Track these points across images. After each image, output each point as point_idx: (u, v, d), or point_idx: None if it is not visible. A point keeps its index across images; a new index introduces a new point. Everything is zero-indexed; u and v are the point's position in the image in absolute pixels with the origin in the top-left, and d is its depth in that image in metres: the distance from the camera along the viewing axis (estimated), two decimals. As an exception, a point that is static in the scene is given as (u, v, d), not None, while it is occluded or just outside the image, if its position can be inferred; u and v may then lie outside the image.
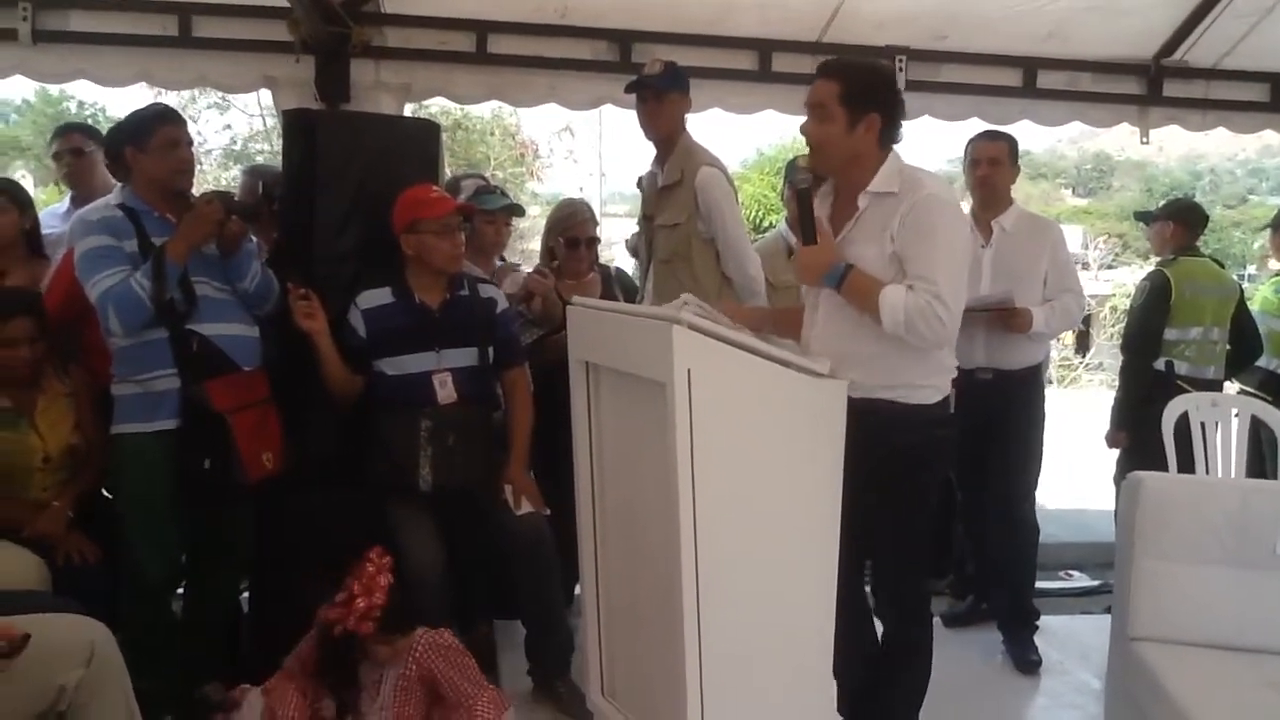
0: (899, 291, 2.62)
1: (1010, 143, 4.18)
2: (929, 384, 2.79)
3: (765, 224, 17.65)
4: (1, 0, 4.34)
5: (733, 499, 2.54)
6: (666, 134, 3.86)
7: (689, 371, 2.48)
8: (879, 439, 2.67)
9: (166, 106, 3.38)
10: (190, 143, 3.31)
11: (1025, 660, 4.04)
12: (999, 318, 3.96)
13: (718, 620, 2.57)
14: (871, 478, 2.69)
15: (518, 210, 4.07)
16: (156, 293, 3.05)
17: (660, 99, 3.82)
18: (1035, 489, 4.22)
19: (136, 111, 3.30)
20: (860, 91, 2.69)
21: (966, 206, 4.11)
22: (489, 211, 4.03)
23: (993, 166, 4.10)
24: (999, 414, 4.01)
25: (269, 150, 17.62)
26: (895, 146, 2.76)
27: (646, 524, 2.66)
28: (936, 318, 2.58)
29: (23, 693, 2.31)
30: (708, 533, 2.53)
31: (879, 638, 3.01)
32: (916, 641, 2.97)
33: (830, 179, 2.88)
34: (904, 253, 2.65)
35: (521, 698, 3.51)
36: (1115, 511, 3.64)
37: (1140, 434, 4.61)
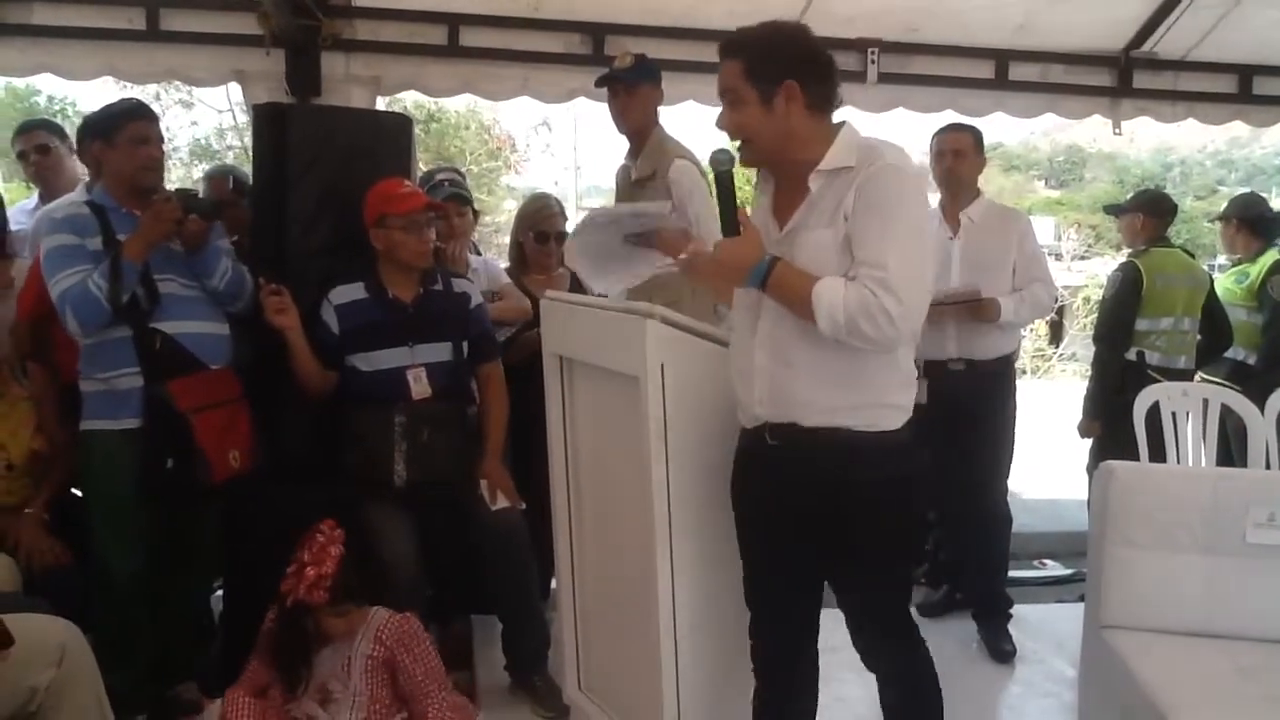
0: (836, 285, 2.18)
1: (974, 134, 4.18)
2: (893, 403, 2.35)
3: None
4: (-39, -5, 4.30)
5: (706, 492, 2.55)
6: (638, 127, 3.85)
7: (662, 366, 2.50)
8: (839, 479, 2.31)
9: (138, 102, 3.33)
10: (160, 139, 3.26)
11: (999, 649, 4.07)
12: (967, 309, 3.98)
13: (692, 612, 2.59)
14: (834, 530, 2.35)
15: (462, 199, 4.00)
16: (114, 293, 3.01)
17: (631, 92, 3.81)
18: (1007, 479, 4.24)
19: (106, 106, 3.26)
20: (765, 61, 2.28)
21: (935, 199, 4.14)
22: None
23: (957, 158, 4.10)
24: (971, 405, 4.02)
25: (239, 146, 17.49)
26: (847, 120, 2.36)
27: (620, 517, 2.67)
28: (883, 312, 2.12)
29: (-6, 693, 2.29)
30: (681, 525, 2.54)
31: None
32: (916, 683, 2.56)
33: (769, 169, 2.49)
34: (854, 231, 2.21)
35: (498, 693, 3.50)
36: (1088, 500, 3.67)
37: (1112, 424, 4.65)
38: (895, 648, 2.52)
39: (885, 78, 4.97)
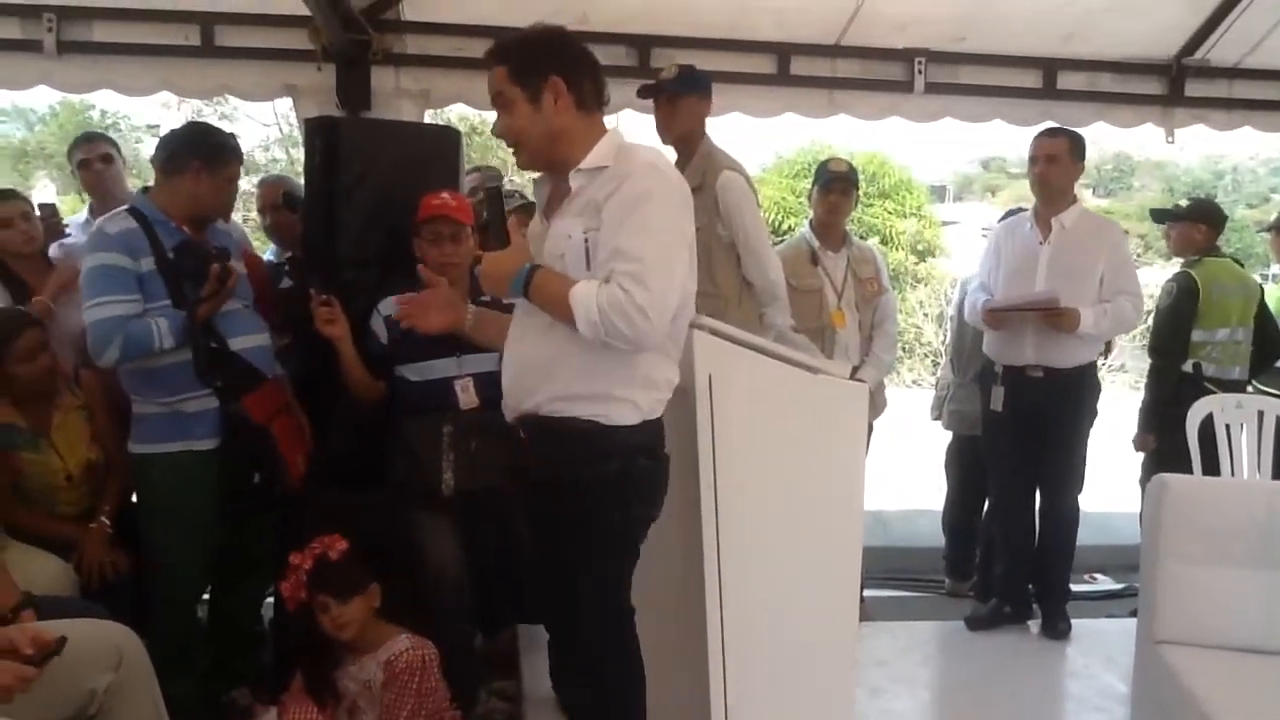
0: (590, 288, 2.22)
1: (1070, 139, 4.17)
2: (625, 398, 2.35)
3: (784, 227, 17.65)
4: (27, 12, 4.39)
5: (756, 503, 2.55)
6: (682, 137, 3.87)
7: (710, 377, 2.50)
8: (560, 466, 2.37)
9: (235, 139, 3.40)
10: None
11: (1055, 628, 4.21)
12: (1046, 317, 3.98)
13: (740, 623, 2.58)
14: (547, 516, 2.45)
15: (529, 210, 4.05)
16: (195, 355, 3.10)
17: (674, 102, 3.83)
18: (1080, 486, 4.28)
19: (215, 130, 3.37)
20: (527, 61, 2.33)
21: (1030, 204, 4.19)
22: None
23: (1049, 163, 4.13)
24: (1049, 411, 4.10)
25: (284, 159, 17.72)
26: (619, 126, 2.42)
27: (667, 530, 2.66)
28: (636, 307, 2.16)
29: (55, 697, 2.33)
30: (730, 537, 2.54)
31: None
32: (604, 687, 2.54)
33: (544, 171, 2.50)
34: (608, 227, 2.25)
35: (543, 702, 3.51)
36: (1140, 514, 3.63)
37: (1167, 436, 4.60)
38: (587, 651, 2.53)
39: (932, 87, 4.95)
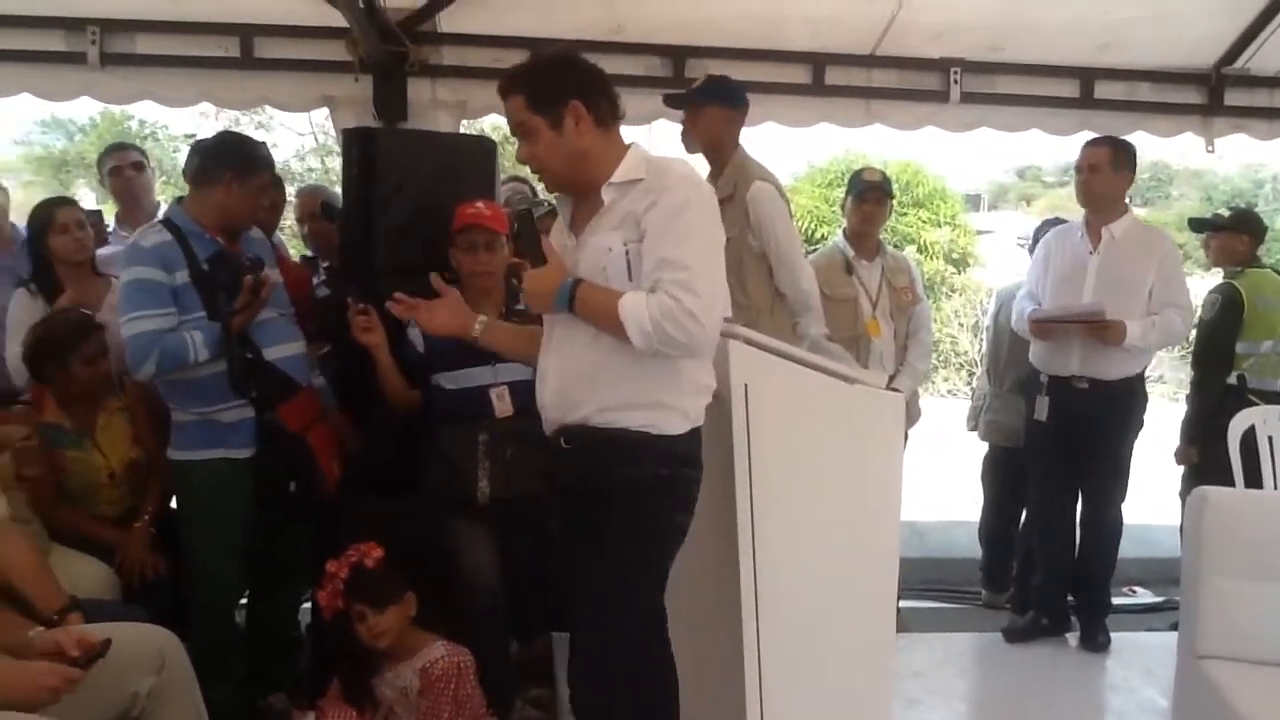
0: (639, 299, 2.25)
1: (1113, 147, 4.15)
2: (676, 407, 2.38)
3: (817, 236, 17.58)
4: (71, 25, 4.46)
5: (792, 513, 2.54)
6: (711, 147, 3.86)
7: (746, 386, 2.50)
8: (604, 473, 2.38)
9: (266, 148, 3.44)
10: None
11: (1094, 640, 4.19)
12: (1091, 329, 3.95)
13: (776, 633, 2.57)
14: (587, 525, 2.43)
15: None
16: (230, 369, 3.14)
17: (697, 111, 3.83)
18: (1124, 497, 4.25)
19: (246, 140, 3.41)
20: (544, 89, 2.36)
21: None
22: None
23: (1091, 173, 4.12)
24: (1095, 422, 4.08)
25: (319, 168, 17.87)
26: (636, 141, 2.45)
27: (700, 538, 2.65)
28: (688, 314, 2.20)
29: (99, 700, 2.37)
30: (766, 548, 2.53)
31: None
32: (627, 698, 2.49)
33: (569, 191, 2.54)
34: (653, 238, 2.28)
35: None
36: (1181, 527, 3.59)
37: (1209, 448, 4.55)
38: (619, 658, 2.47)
39: (968, 97, 4.92)
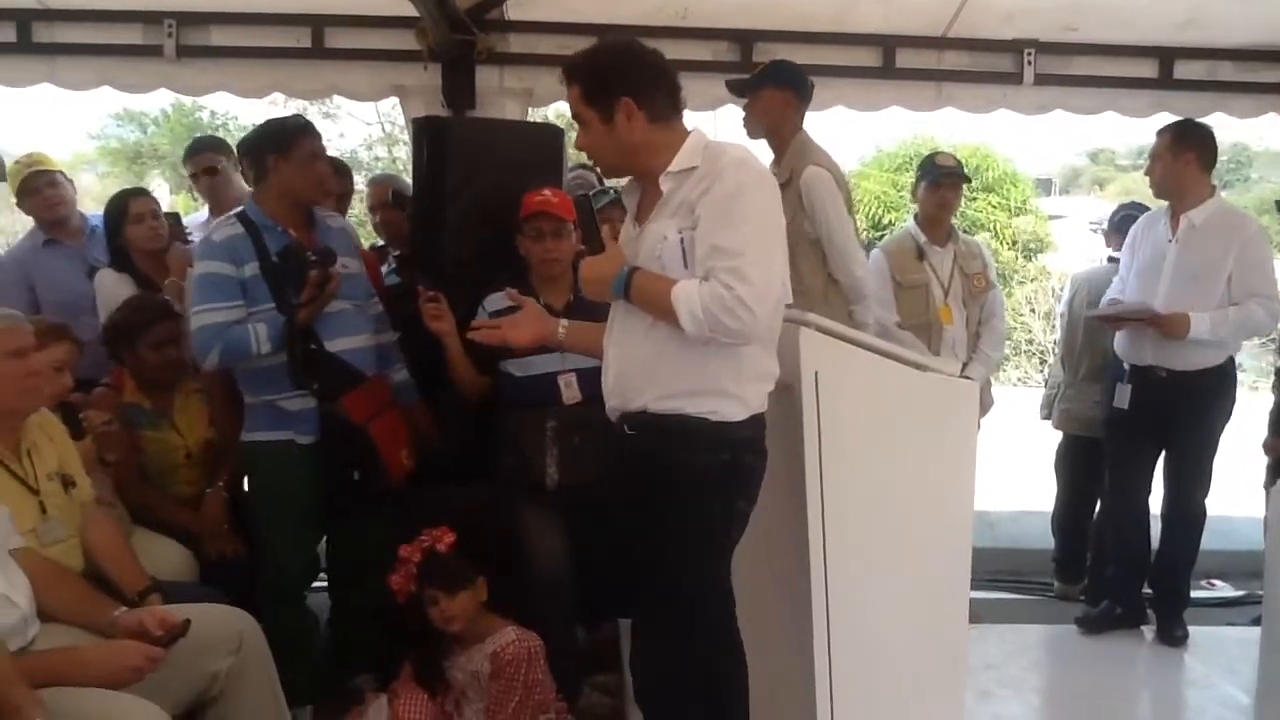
0: (691, 286, 2.25)
1: (1171, 133, 4.06)
2: (736, 394, 2.37)
3: (885, 221, 17.43)
4: (148, 18, 4.55)
5: (863, 501, 2.52)
6: (769, 131, 3.84)
7: (816, 374, 2.47)
8: (665, 460, 2.38)
9: (306, 119, 3.46)
10: (326, 156, 3.41)
11: (1171, 634, 4.09)
12: (1151, 323, 3.87)
13: (846, 622, 2.55)
14: (650, 511, 2.43)
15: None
16: (290, 359, 3.18)
17: (758, 95, 3.80)
18: (1207, 488, 4.15)
19: (277, 120, 3.40)
20: (598, 84, 2.38)
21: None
22: None
23: (1155, 160, 4.07)
24: (1177, 411, 4.00)
25: (386, 157, 18.07)
26: (697, 127, 2.44)
27: (773, 530, 2.64)
28: (739, 302, 2.18)
29: (180, 679, 2.42)
30: (837, 536, 2.51)
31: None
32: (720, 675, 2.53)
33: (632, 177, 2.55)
34: (705, 224, 2.28)
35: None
36: (1265, 519, 3.49)
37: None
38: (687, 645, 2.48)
39: (1042, 79, 4.81)
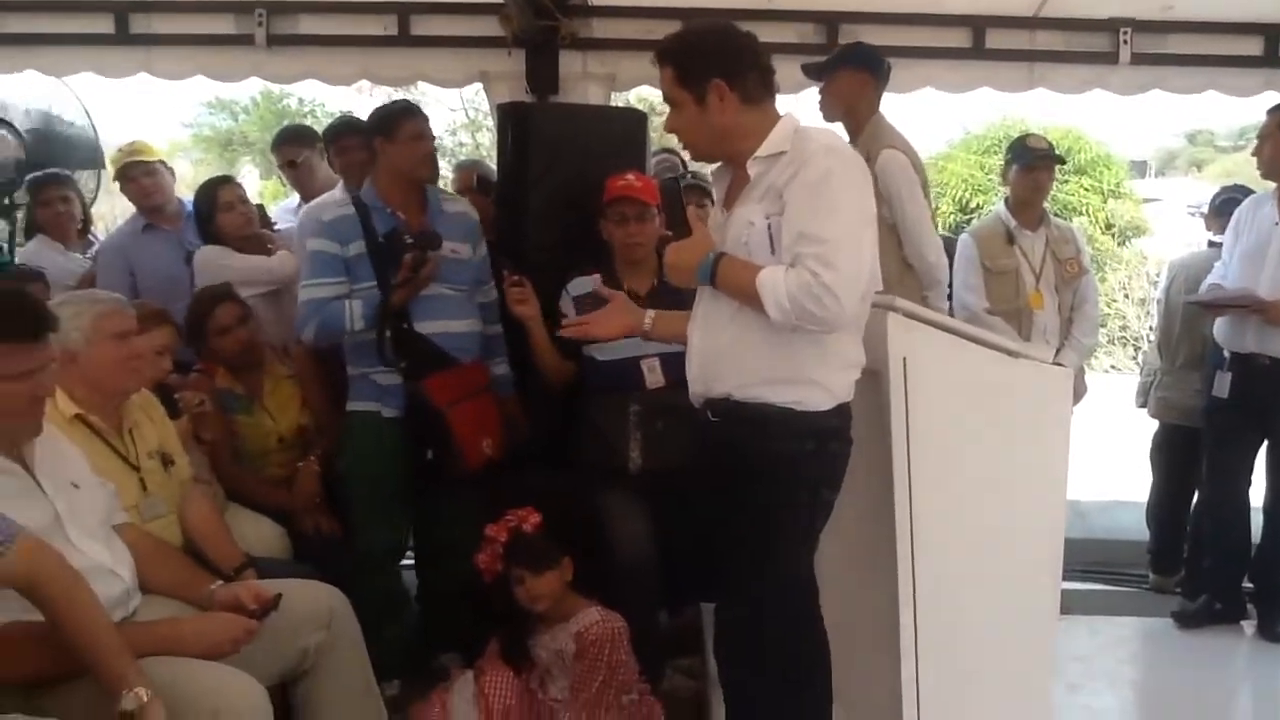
0: (777, 274, 2.22)
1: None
2: (821, 382, 2.34)
3: (972, 205, 17.10)
4: (239, 8, 4.65)
5: (952, 490, 2.47)
6: (844, 113, 3.79)
7: (904, 360, 2.43)
8: (749, 448, 2.37)
9: (411, 103, 3.59)
10: (432, 137, 3.47)
11: (1273, 630, 3.97)
12: (1253, 310, 3.76)
13: (933, 613, 2.51)
14: (733, 498, 2.41)
15: (703, 190, 4.05)
16: (379, 335, 3.27)
17: (834, 77, 3.76)
18: None
19: (384, 106, 3.53)
20: (691, 67, 2.36)
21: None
22: None
23: (1262, 141, 3.98)
24: (1278, 401, 3.90)
25: (470, 143, 18.22)
26: (789, 111, 2.41)
27: (858, 518, 2.61)
28: (827, 290, 2.14)
29: (273, 653, 2.48)
30: (924, 524, 2.47)
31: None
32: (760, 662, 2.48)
33: (722, 162, 2.56)
34: (792, 210, 2.25)
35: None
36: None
37: None
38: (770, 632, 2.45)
39: (1139, 58, 4.67)
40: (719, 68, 2.34)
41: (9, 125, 4.66)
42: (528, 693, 3.10)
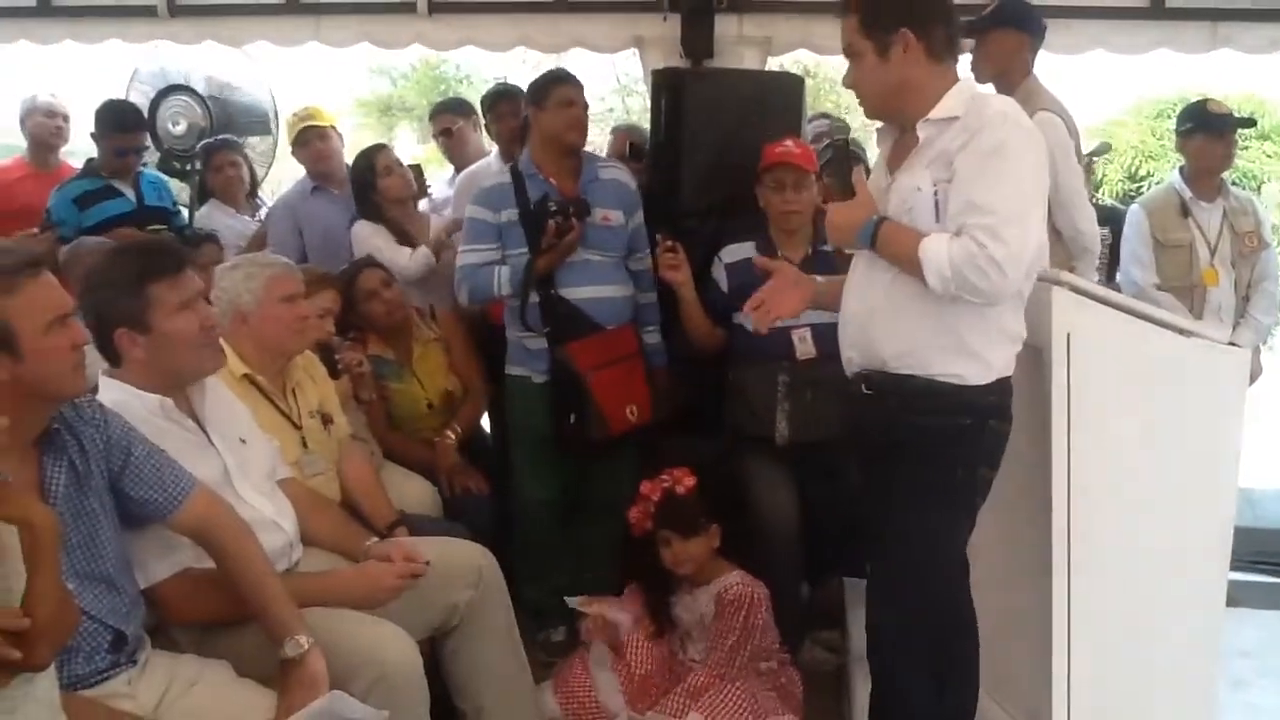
0: (940, 242, 2.15)
1: None
2: (981, 355, 2.26)
3: (1142, 173, 16.28)
4: (402, -24, 4.75)
5: (1115, 473, 2.38)
6: (996, 75, 3.63)
7: (1068, 336, 2.35)
8: (904, 422, 2.30)
9: (565, 70, 3.61)
10: (584, 104, 3.50)
11: None
12: None
13: (1090, 600, 2.43)
14: (887, 473, 2.35)
15: (858, 158, 3.96)
16: (522, 298, 3.37)
17: (986, 37, 3.60)
18: None
19: (538, 78, 3.58)
20: (880, 13, 2.25)
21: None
22: None
23: None
24: None
25: (620, 108, 18.25)
26: (966, 74, 2.30)
27: (1014, 499, 2.52)
28: (991, 261, 2.07)
29: (425, 607, 2.57)
30: (1083, 508, 2.39)
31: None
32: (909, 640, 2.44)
33: (889, 121, 2.45)
34: (962, 178, 2.17)
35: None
36: None
37: None
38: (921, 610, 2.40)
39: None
40: (907, 16, 2.26)
41: (195, 94, 4.89)
42: (669, 653, 3.14)
